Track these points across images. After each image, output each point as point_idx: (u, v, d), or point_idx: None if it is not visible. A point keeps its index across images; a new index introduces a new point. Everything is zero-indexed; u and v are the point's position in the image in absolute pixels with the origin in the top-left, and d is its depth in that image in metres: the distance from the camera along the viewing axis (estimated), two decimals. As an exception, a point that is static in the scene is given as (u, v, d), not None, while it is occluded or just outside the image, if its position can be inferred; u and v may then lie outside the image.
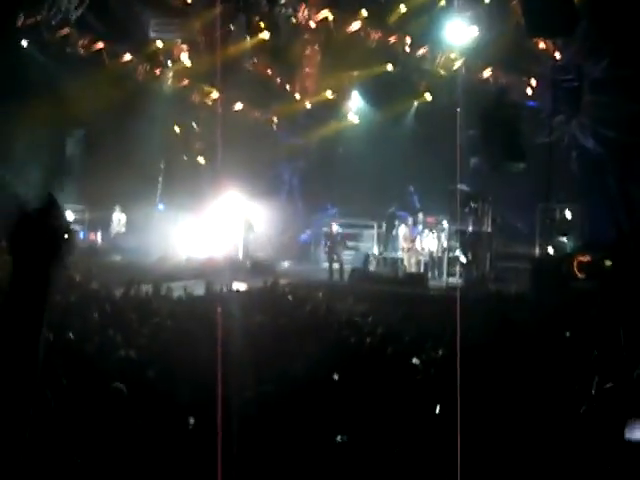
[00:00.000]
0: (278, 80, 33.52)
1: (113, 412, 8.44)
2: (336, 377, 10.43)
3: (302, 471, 7.93)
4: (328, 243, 27.39)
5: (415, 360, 11.33)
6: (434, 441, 8.21)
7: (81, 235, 29.41)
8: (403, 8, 30.08)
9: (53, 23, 30.07)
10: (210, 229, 26.91)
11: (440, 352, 11.90)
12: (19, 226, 2.39)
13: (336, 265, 26.74)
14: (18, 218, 2.38)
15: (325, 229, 28.57)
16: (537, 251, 25.80)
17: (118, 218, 30.12)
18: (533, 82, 28.77)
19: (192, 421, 8.52)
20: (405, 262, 26.72)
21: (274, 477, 7.82)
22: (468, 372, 10.22)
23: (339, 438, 8.49)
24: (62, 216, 2.47)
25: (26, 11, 29.46)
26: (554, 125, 27.37)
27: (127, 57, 31.71)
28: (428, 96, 31.13)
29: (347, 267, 26.75)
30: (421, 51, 30.11)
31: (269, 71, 33.33)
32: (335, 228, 27.67)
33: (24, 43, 29.83)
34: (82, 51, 30.82)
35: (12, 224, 2.38)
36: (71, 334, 11.48)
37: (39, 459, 6.12)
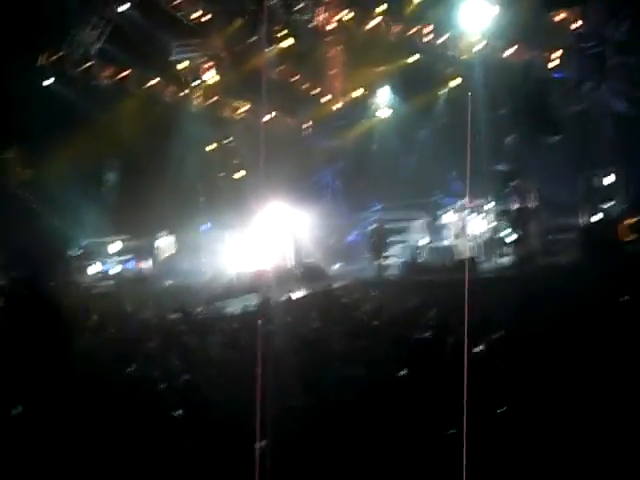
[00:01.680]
0: (307, 85, 33.57)
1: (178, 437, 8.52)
2: (401, 374, 10.34)
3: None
4: (372, 240, 27.30)
5: (476, 349, 11.15)
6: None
7: (130, 264, 29.58)
8: (419, -2, 30.02)
9: (75, 58, 30.28)
10: (258, 242, 26.90)
11: (497, 336, 11.74)
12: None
13: (383, 261, 26.68)
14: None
15: (368, 227, 28.37)
16: (584, 220, 25.48)
17: (165, 242, 30.20)
18: (557, 54, 28.39)
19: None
20: (455, 249, 26.51)
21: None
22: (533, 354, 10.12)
23: None
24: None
25: (48, 49, 29.67)
26: (584, 93, 27.12)
27: (153, 82, 31.87)
28: (456, 82, 30.97)
29: (397, 260, 26.67)
30: (443, 38, 29.92)
31: (296, 77, 33.37)
32: (376, 224, 27.57)
33: (49, 80, 30.01)
34: (107, 82, 30.99)
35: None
36: (131, 366, 11.56)
37: None
